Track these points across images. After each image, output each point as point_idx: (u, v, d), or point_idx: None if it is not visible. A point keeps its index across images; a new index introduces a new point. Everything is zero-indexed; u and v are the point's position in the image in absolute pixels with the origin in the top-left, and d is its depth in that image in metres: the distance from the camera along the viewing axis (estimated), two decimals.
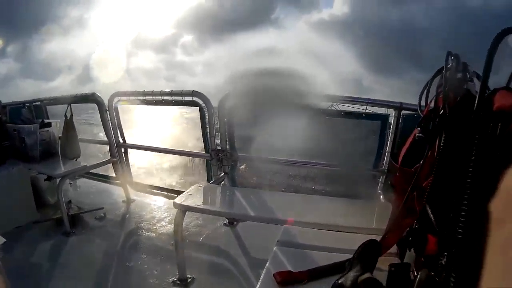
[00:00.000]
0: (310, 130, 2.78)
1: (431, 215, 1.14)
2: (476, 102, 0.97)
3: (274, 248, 1.87)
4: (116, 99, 4.22)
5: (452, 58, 1.35)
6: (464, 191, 0.87)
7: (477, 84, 1.26)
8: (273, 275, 1.54)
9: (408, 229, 1.39)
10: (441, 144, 1.17)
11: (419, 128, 1.36)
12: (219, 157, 3.67)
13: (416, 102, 1.65)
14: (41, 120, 4.31)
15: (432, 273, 1.03)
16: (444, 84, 1.30)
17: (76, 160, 4.24)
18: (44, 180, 4.09)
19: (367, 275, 1.28)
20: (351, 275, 1.32)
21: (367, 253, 1.43)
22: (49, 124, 4.19)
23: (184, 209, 2.65)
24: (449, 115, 1.19)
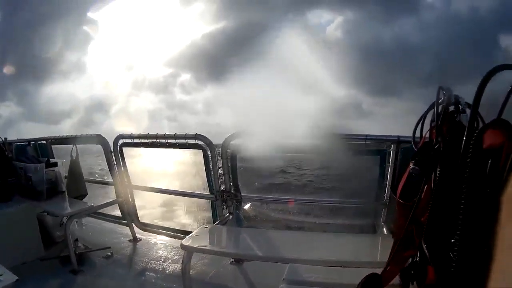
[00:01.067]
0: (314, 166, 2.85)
1: (426, 250, 1.18)
2: (463, 143, 1.02)
3: (280, 286, 1.89)
4: (121, 141, 4.29)
5: (444, 92, 1.40)
6: (456, 226, 0.92)
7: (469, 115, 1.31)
8: None
9: (410, 261, 1.43)
10: (436, 178, 1.21)
11: (413, 161, 1.40)
12: (223, 197, 3.72)
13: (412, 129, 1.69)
14: (46, 159, 4.38)
15: None
16: (436, 118, 1.35)
17: (82, 199, 4.28)
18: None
19: None
20: None
21: (368, 286, 1.46)
22: (55, 164, 4.24)
23: (191, 251, 2.68)
24: (443, 149, 1.24)
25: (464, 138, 1.02)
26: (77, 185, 4.37)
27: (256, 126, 3.23)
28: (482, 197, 0.87)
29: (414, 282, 1.34)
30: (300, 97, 3.08)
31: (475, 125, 1.12)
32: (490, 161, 0.89)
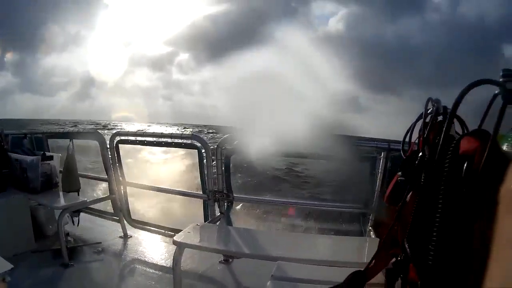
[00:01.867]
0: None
1: (407, 248, 1.26)
2: (438, 149, 1.10)
3: (268, 283, 1.95)
4: (117, 138, 4.36)
5: (434, 103, 1.47)
6: (434, 224, 1.01)
7: (457, 125, 1.39)
8: None
9: (394, 260, 1.51)
10: (421, 184, 1.29)
11: (400, 172, 1.48)
12: (216, 197, 3.79)
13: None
14: (42, 152, 4.43)
15: None
16: (423, 128, 1.43)
17: (78, 194, 4.34)
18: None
19: None
20: None
21: (354, 282, 1.54)
22: (51, 157, 4.30)
23: (183, 246, 2.74)
24: (428, 157, 1.32)
25: (440, 144, 1.11)
26: (71, 180, 4.40)
27: (253, 123, 3.29)
28: (458, 197, 0.96)
29: (399, 280, 1.42)
30: (300, 88, 3.14)
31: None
32: (466, 164, 0.97)
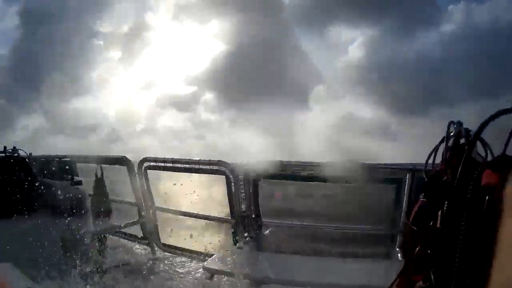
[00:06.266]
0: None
1: (432, 276, 1.26)
2: (457, 177, 1.10)
3: None
4: (146, 164, 4.43)
5: (455, 126, 1.46)
6: (455, 254, 1.01)
7: (479, 147, 1.37)
8: None
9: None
10: (445, 210, 1.29)
11: (423, 194, 1.47)
12: (244, 222, 3.82)
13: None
14: (71, 176, 4.57)
15: None
16: (445, 151, 1.43)
17: (109, 218, 4.44)
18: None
19: None
20: None
21: None
22: (80, 182, 4.43)
23: (213, 273, 2.77)
24: (451, 182, 1.31)
25: (458, 174, 1.11)
26: (101, 204, 4.49)
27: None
28: (479, 232, 0.96)
29: None
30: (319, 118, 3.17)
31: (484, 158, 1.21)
32: (487, 197, 0.96)
